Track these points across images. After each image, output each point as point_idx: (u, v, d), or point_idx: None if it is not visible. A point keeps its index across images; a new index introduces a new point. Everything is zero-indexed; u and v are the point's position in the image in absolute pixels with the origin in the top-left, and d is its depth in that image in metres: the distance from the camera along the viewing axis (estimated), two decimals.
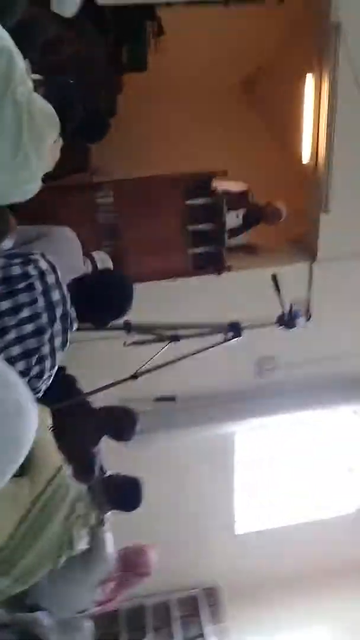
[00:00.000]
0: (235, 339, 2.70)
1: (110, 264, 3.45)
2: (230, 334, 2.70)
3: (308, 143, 4.34)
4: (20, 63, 1.68)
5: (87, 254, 3.39)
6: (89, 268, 3.35)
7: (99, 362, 3.87)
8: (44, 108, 1.75)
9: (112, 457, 3.38)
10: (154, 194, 4.37)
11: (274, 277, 2.74)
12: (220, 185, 4.42)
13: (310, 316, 2.85)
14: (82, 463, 2.40)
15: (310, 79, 4.12)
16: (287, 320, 2.63)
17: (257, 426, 5.08)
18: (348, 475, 5.89)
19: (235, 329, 2.68)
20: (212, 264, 4.54)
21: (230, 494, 5.52)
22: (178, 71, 5.41)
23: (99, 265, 3.33)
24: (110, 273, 2.06)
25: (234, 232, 4.71)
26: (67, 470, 2.03)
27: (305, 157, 4.43)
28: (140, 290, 4.05)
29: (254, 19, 4.99)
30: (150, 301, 3.95)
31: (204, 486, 5.31)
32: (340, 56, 3.92)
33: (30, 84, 1.74)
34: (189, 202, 4.37)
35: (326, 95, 4.06)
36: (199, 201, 4.40)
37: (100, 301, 1.97)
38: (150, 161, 4.82)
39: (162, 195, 4.37)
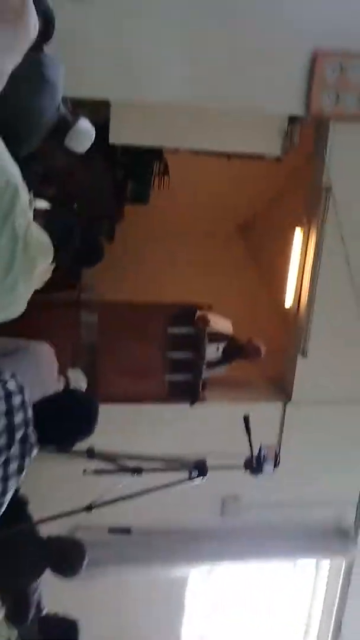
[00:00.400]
0: (200, 479, 2.61)
1: (84, 384, 3.43)
2: (195, 472, 2.61)
3: (292, 289, 4.53)
4: (24, 196, 1.77)
5: (62, 371, 3.37)
6: (61, 386, 3.31)
7: (54, 484, 3.71)
8: (40, 238, 1.83)
9: (53, 584, 3.12)
10: (138, 319, 4.46)
11: (246, 419, 2.73)
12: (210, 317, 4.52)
13: (278, 463, 2.78)
14: (19, 603, 2.20)
15: (299, 233, 4.39)
16: (254, 466, 2.56)
17: (212, 570, 4.78)
18: (304, 634, 5.47)
19: (200, 467, 2.60)
20: (187, 393, 4.53)
21: None
22: (177, 208, 5.75)
23: (72, 385, 3.30)
24: (76, 392, 2.02)
25: (213, 364, 4.75)
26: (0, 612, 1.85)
27: (288, 301, 4.60)
28: (109, 410, 4.04)
29: (253, 171, 5.41)
30: (118, 423, 3.89)
31: (150, 631, 4.88)
32: (328, 216, 4.22)
33: (30, 215, 1.82)
34: (171, 330, 4.45)
35: (312, 248, 4.31)
36: (182, 330, 4.48)
37: (62, 420, 1.91)
38: (139, 286, 4.97)
39: (146, 321, 4.45)
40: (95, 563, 3.83)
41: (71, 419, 1.98)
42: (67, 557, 2.87)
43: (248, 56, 3.77)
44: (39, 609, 2.89)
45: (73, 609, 3.32)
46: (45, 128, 2.92)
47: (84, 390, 3.40)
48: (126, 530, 4.10)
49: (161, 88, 3.74)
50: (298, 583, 5.29)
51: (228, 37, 3.74)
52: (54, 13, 2.32)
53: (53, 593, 3.28)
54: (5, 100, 1.71)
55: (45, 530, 3.22)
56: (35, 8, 1.78)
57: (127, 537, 4.47)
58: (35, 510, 3.32)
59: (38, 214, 1.94)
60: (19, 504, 2.89)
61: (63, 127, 3.06)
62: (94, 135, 3.19)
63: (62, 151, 3.64)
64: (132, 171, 5.50)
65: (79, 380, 3.34)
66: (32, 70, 1.77)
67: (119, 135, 4.33)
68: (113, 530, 4.22)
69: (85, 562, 2.91)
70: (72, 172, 3.63)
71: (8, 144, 2.61)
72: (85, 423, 2.01)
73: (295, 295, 4.52)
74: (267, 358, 4.73)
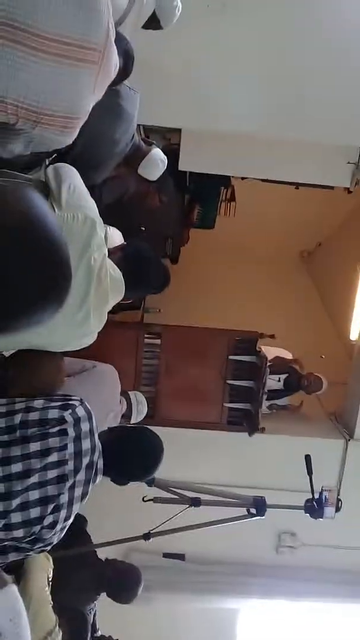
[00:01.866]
0: (258, 518, 2.56)
1: (145, 408, 3.45)
2: (253, 511, 2.56)
3: (358, 322, 4.42)
4: (101, 232, 1.82)
5: (124, 393, 3.41)
6: (124, 408, 3.35)
7: (112, 508, 3.73)
8: (114, 275, 1.87)
9: (105, 606, 3.13)
10: (200, 344, 4.47)
11: (307, 458, 2.66)
12: (269, 350, 4.48)
13: (340, 507, 2.70)
14: (76, 626, 2.22)
15: None
16: (315, 509, 2.49)
17: (262, 607, 4.66)
18: None
19: (259, 506, 2.56)
20: (245, 421, 4.48)
21: None
22: (242, 235, 5.76)
23: (133, 407, 3.32)
24: (143, 433, 2.02)
25: (274, 394, 4.70)
26: (59, 635, 1.87)
27: (354, 335, 4.50)
28: (168, 434, 4.06)
29: (320, 201, 5.36)
30: (176, 447, 3.88)
31: None
32: None
33: (105, 251, 1.87)
34: (232, 357, 4.43)
35: None
36: (243, 358, 4.46)
37: (126, 459, 1.93)
38: (201, 312, 4.99)
39: (207, 347, 4.45)
40: (146, 587, 3.84)
41: (134, 459, 1.99)
42: (123, 583, 2.88)
43: (321, 86, 3.76)
44: (93, 629, 2.91)
45: (121, 633, 3.32)
46: (119, 157, 3.03)
47: (144, 414, 3.42)
48: (180, 556, 4.08)
49: (232, 118, 3.79)
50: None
51: (301, 65, 3.75)
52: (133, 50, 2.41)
53: (102, 614, 3.30)
54: (82, 131, 1.77)
55: (101, 551, 3.25)
56: (116, 46, 1.84)
57: (180, 563, 4.48)
58: (92, 532, 3.36)
59: (112, 250, 1.99)
60: (78, 524, 2.92)
61: (137, 155, 3.17)
62: (166, 164, 3.28)
63: (135, 177, 3.76)
64: (200, 196, 5.58)
65: (140, 404, 3.37)
66: (109, 101, 1.83)
67: (188, 163, 4.40)
68: (167, 556, 4.22)
69: (140, 589, 2.90)
70: (146, 194, 3.73)
71: (84, 173, 2.72)
72: (148, 468, 2.02)
73: None
74: (330, 392, 4.63)
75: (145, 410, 3.48)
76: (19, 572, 2.06)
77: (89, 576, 2.79)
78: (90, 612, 2.86)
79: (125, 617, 3.36)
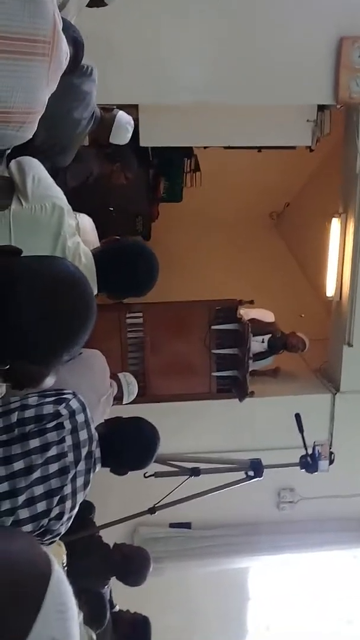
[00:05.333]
0: (256, 479, 2.65)
1: (135, 388, 3.49)
2: (251, 473, 2.65)
3: (333, 279, 4.49)
4: (71, 220, 1.83)
5: (113, 376, 3.45)
6: (114, 390, 3.40)
7: (115, 487, 3.80)
8: (84, 262, 1.87)
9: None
10: (181, 318, 4.52)
11: (298, 417, 2.74)
12: (248, 313, 4.54)
13: (333, 460, 2.80)
14: (93, 608, 2.30)
15: (336, 222, 4.35)
16: (310, 464, 2.59)
17: (270, 563, 4.83)
18: (346, 628, 5.45)
19: (256, 468, 2.65)
20: (235, 388, 4.57)
21: (243, 634, 5.15)
22: (210, 204, 5.77)
23: (124, 389, 3.36)
24: (138, 423, 2.06)
25: (259, 356, 4.78)
26: (80, 616, 1.94)
27: (330, 291, 4.57)
28: (160, 409, 4.12)
29: (284, 161, 5.37)
30: (170, 421, 3.96)
31: (216, 621, 4.97)
32: None
33: (79, 239, 1.88)
34: (215, 327, 4.49)
35: (351, 235, 4.26)
36: (225, 326, 4.52)
37: (123, 452, 1.98)
38: (179, 286, 5.02)
39: (189, 320, 4.51)
40: (157, 559, 3.96)
41: (131, 450, 2.04)
42: (131, 567, 2.96)
43: (271, 49, 3.75)
44: (111, 605, 3.00)
45: (137, 606, 3.43)
46: (83, 135, 2.99)
47: (135, 394, 3.46)
48: (186, 525, 4.20)
49: (187, 90, 3.76)
50: (358, 574, 5.27)
51: (250, 32, 3.73)
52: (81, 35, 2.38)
53: (119, 589, 3.40)
54: (42, 117, 1.77)
55: (110, 529, 3.33)
56: (65, 34, 1.82)
57: (187, 531, 4.61)
58: (98, 513, 3.43)
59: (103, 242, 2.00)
60: (84, 509, 2.98)
61: (102, 127, 3.09)
62: (133, 124, 3.20)
63: (98, 158, 3.74)
64: (164, 169, 5.56)
65: (130, 385, 3.40)
66: (63, 82, 1.81)
67: (149, 138, 4.38)
68: (174, 525, 4.34)
69: (149, 571, 2.99)
70: (109, 176, 3.71)
71: (51, 159, 2.70)
72: (145, 457, 2.06)
73: (336, 285, 4.49)
74: (313, 349, 4.72)
75: (136, 390, 3.52)
76: None
77: (98, 562, 2.87)
78: (105, 591, 2.95)
79: (140, 589, 3.47)
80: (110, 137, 3.12)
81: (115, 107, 3.18)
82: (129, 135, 3.15)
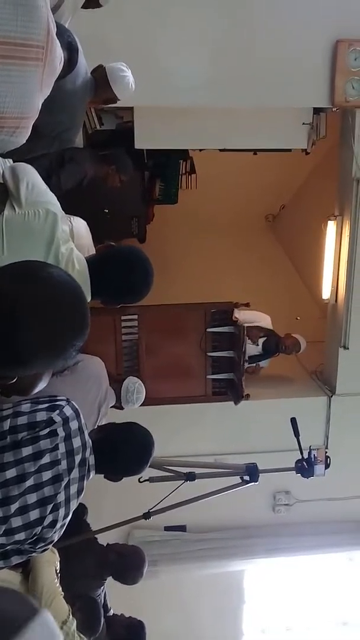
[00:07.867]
0: (252, 484, 2.65)
1: (140, 394, 3.36)
2: (247, 477, 2.64)
3: (328, 281, 4.49)
4: (64, 226, 1.82)
5: (117, 382, 3.35)
6: (110, 403, 3.33)
7: (109, 492, 3.80)
8: (77, 268, 1.86)
9: (114, 584, 3.21)
10: (177, 321, 4.51)
11: (293, 421, 2.74)
12: (244, 315, 4.54)
13: (329, 464, 2.79)
14: (87, 614, 2.28)
15: (332, 225, 4.35)
16: (305, 469, 2.59)
17: (265, 566, 4.83)
18: (341, 630, 5.44)
19: (252, 472, 2.64)
20: (230, 391, 4.56)
21: (239, 637, 5.15)
22: (206, 206, 5.76)
23: (122, 395, 3.28)
24: (132, 429, 2.03)
25: (254, 359, 4.78)
26: (73, 623, 1.93)
27: (326, 294, 4.57)
28: (156, 412, 4.11)
29: (280, 164, 5.37)
30: (166, 425, 3.95)
31: (212, 625, 4.96)
32: None
33: (72, 245, 1.87)
34: (210, 329, 4.48)
35: (347, 239, 4.26)
36: (221, 329, 4.51)
37: (116, 458, 1.95)
38: (175, 288, 5.01)
39: (185, 322, 4.50)
40: (152, 562, 3.94)
41: (125, 456, 2.02)
42: (127, 565, 2.95)
43: (268, 52, 3.74)
44: (105, 609, 2.99)
45: (132, 609, 3.42)
46: (84, 102, 2.89)
47: (138, 401, 3.36)
48: (181, 528, 4.18)
49: (183, 92, 3.75)
50: (353, 576, 5.27)
51: (246, 35, 3.72)
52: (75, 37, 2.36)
53: (115, 592, 3.39)
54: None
55: (104, 534, 3.31)
56: (59, 39, 1.81)
57: (182, 534, 4.60)
58: (93, 518, 3.42)
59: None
60: (78, 513, 2.97)
61: (100, 87, 2.97)
62: (127, 67, 3.06)
63: (92, 160, 3.72)
64: (159, 171, 5.55)
65: (129, 393, 3.29)
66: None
67: (144, 140, 4.37)
68: (169, 529, 4.32)
69: (144, 571, 2.98)
70: (104, 178, 3.69)
71: (58, 136, 2.64)
72: (139, 463, 2.04)
73: (332, 288, 4.48)
74: (309, 351, 4.72)
75: (138, 397, 3.36)
76: (27, 568, 2.12)
77: (93, 563, 2.86)
78: (99, 595, 2.94)
79: (135, 592, 3.46)
80: (116, 92, 2.98)
81: (100, 65, 3.03)
82: (130, 79, 2.98)
